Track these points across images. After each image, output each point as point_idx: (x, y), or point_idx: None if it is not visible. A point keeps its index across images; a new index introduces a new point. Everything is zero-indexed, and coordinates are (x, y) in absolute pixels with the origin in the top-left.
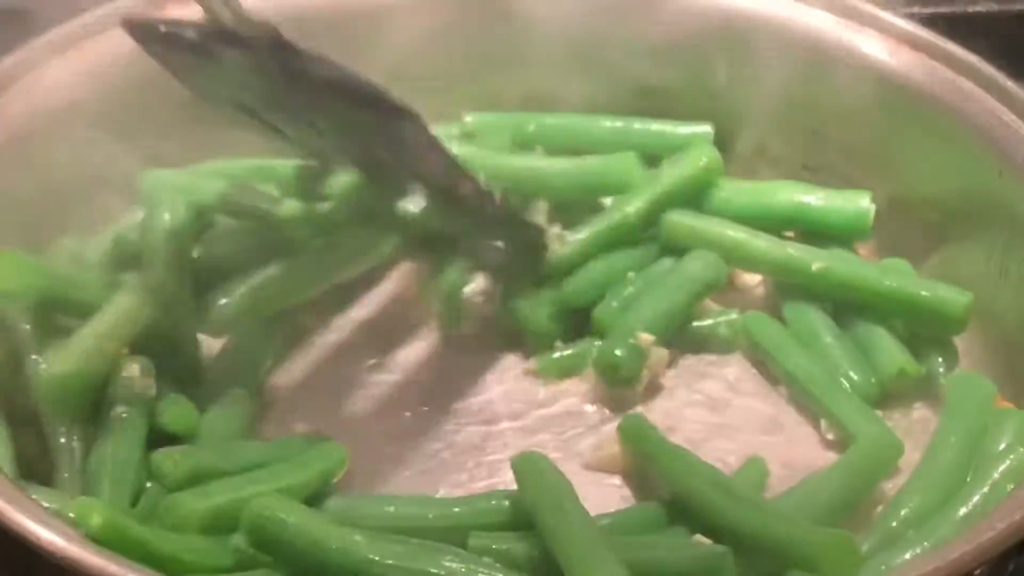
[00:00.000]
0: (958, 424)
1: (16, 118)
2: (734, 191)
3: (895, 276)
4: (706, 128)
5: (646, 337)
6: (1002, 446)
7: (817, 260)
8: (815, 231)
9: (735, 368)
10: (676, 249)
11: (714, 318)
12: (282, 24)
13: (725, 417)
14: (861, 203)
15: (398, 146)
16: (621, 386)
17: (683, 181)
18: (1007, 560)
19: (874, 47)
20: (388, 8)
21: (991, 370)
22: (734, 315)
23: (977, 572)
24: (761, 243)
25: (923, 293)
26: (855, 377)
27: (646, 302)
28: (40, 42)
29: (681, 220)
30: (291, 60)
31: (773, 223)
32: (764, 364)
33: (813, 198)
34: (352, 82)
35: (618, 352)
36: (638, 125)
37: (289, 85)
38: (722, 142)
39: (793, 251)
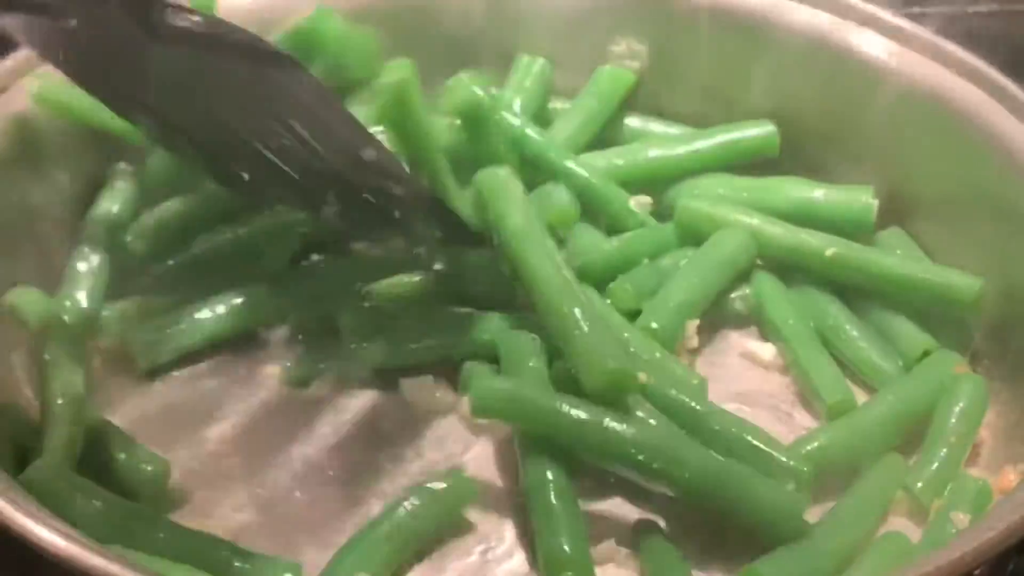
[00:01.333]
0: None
1: None
2: (738, 188)
3: (908, 262)
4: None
5: (692, 323)
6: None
7: (831, 246)
8: (819, 227)
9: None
10: (691, 236)
11: (728, 293)
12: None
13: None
14: (863, 198)
15: (285, 103)
16: None
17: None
18: (1007, 560)
19: (874, 47)
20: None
21: (995, 361)
22: (748, 291)
23: (977, 572)
24: (776, 229)
25: (935, 279)
26: (882, 364)
27: (683, 281)
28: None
29: (696, 206)
30: (145, 10)
31: (777, 219)
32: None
33: (816, 194)
34: (219, 29)
35: (654, 325)
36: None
37: (149, 41)
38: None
39: (807, 237)
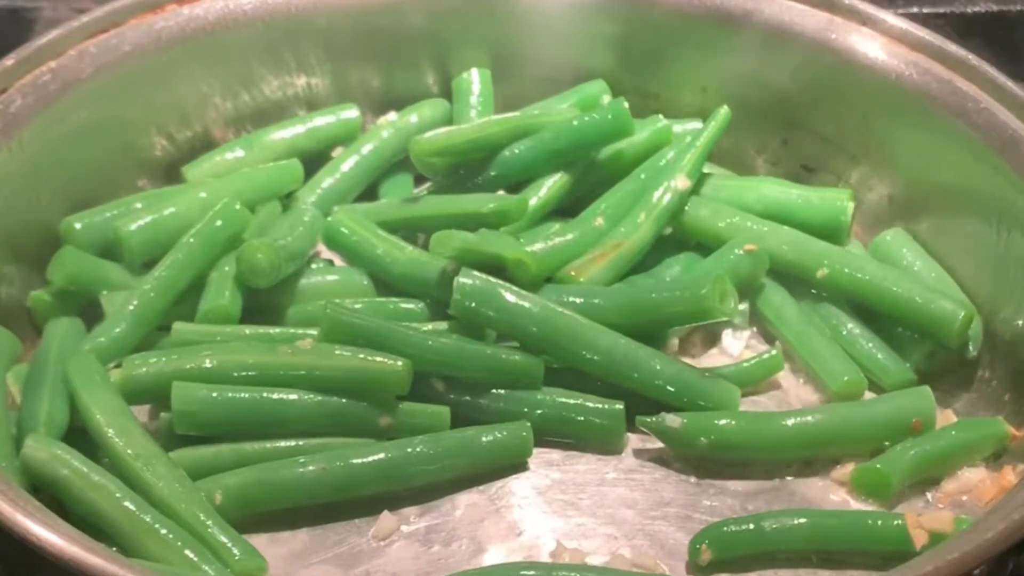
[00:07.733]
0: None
1: None
2: (715, 187)
3: (899, 283)
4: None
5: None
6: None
7: (822, 266)
8: (794, 228)
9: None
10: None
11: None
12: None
13: None
14: (839, 201)
15: None
16: None
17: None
18: (1007, 560)
19: (873, 47)
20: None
21: (995, 362)
22: (744, 306)
23: (977, 572)
24: (770, 242)
25: (928, 305)
26: (891, 366)
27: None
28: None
29: (700, 214)
30: None
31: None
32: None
33: (792, 195)
34: None
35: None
36: None
37: None
38: (722, 142)
39: (801, 252)
